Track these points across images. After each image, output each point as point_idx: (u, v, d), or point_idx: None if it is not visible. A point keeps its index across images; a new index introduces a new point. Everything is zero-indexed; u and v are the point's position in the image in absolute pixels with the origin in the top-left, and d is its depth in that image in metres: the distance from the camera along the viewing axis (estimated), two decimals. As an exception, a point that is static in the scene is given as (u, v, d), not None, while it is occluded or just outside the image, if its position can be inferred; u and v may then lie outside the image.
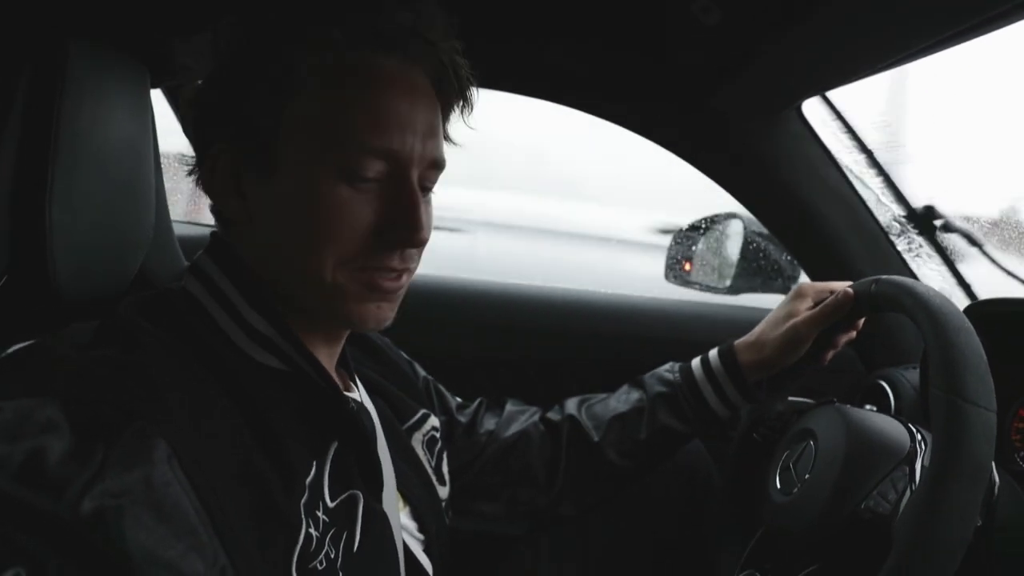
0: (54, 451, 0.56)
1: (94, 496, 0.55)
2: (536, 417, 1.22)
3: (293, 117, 0.75)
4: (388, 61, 0.77)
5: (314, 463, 0.76)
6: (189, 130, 0.82)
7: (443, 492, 1.06)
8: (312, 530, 0.72)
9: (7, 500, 0.54)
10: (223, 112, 0.78)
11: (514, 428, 1.20)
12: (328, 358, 0.87)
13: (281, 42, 0.75)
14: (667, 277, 1.92)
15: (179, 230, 1.34)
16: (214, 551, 0.61)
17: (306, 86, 0.75)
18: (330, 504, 0.77)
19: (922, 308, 0.86)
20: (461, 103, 0.86)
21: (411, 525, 0.96)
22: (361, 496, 0.82)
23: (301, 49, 0.75)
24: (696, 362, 1.19)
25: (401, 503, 0.95)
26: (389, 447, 0.94)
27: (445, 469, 1.09)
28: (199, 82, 0.81)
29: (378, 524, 0.84)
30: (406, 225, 0.77)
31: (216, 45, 0.79)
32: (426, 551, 0.96)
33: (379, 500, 0.86)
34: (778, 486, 1.01)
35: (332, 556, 0.75)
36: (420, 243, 0.79)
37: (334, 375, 0.88)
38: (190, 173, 0.83)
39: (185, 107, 0.82)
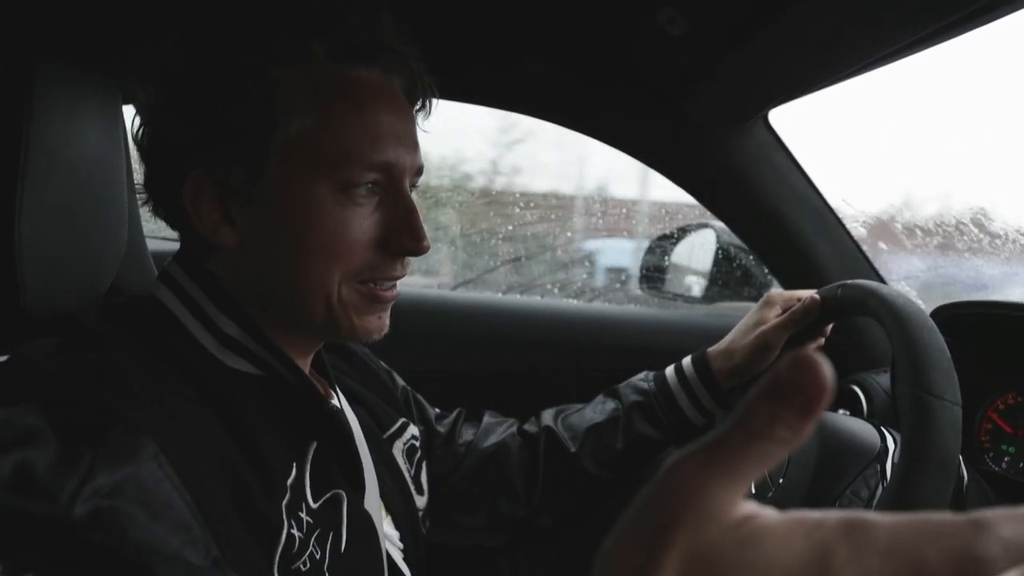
0: (41, 458, 0.56)
1: (87, 498, 0.55)
2: (514, 428, 1.22)
3: (284, 139, 0.74)
4: (370, 74, 0.78)
5: (294, 464, 0.76)
6: (152, 158, 0.79)
7: (420, 502, 1.06)
8: (295, 531, 0.72)
9: (4, 512, 0.54)
10: (200, 139, 0.74)
11: (492, 439, 1.20)
12: (302, 361, 0.87)
13: (259, 61, 0.73)
14: (640, 288, 1.93)
15: (153, 246, 1.34)
16: (206, 544, 0.61)
17: (295, 106, 0.74)
18: (313, 505, 0.77)
19: (887, 309, 0.88)
20: (426, 108, 0.87)
21: (393, 534, 0.96)
22: (345, 496, 0.82)
23: (283, 68, 0.74)
24: (670, 370, 1.19)
25: (384, 511, 0.94)
26: (371, 454, 0.94)
27: (423, 479, 1.09)
28: (156, 106, 0.77)
29: (363, 524, 0.84)
30: (410, 235, 0.79)
31: (173, 67, 0.75)
32: (405, 560, 0.96)
33: (362, 501, 0.86)
34: (752, 491, 1.02)
35: (317, 557, 0.75)
36: (424, 251, 0.80)
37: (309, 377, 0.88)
38: (146, 203, 0.82)
39: (147, 134, 0.79)
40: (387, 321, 0.84)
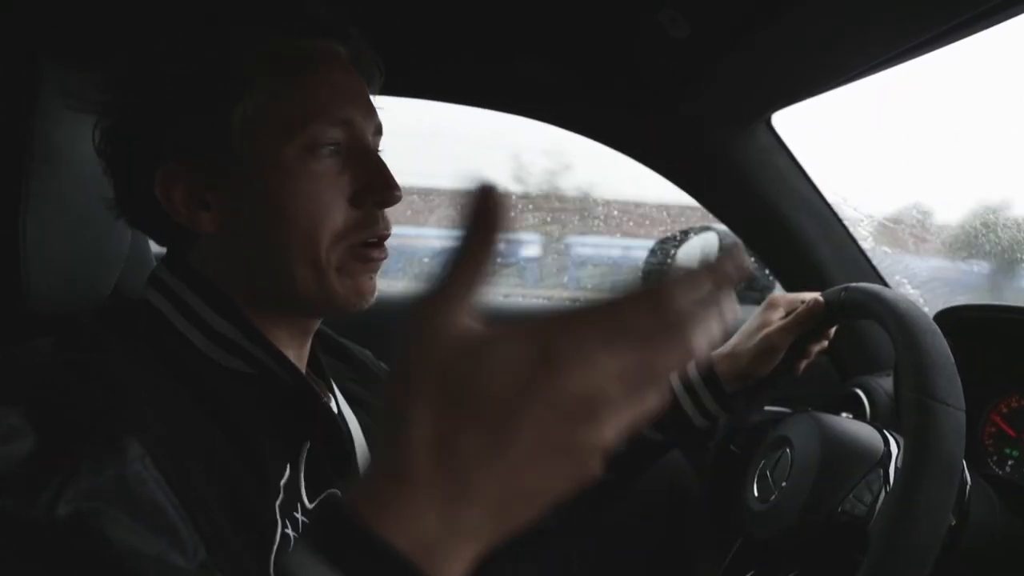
0: (23, 459, 0.55)
1: (68, 500, 0.54)
2: None
3: (245, 115, 0.76)
4: (317, 44, 0.81)
5: (288, 464, 0.76)
6: (118, 163, 0.80)
7: None
8: (289, 531, 0.72)
9: None
10: (165, 134, 0.76)
11: None
12: (297, 356, 0.87)
13: (214, 49, 0.76)
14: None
15: (156, 247, 1.34)
16: (194, 545, 0.61)
17: (252, 82, 0.76)
18: (309, 505, 0.77)
19: (890, 313, 0.88)
20: (373, 84, 0.89)
21: None
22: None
23: (237, 50, 0.76)
24: (674, 374, 1.19)
25: None
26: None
27: None
28: (114, 113, 0.78)
29: None
30: (381, 184, 0.80)
31: (129, 72, 0.77)
32: None
33: None
34: (755, 494, 1.02)
35: None
36: (397, 199, 0.82)
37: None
38: (119, 216, 0.82)
39: (110, 141, 0.80)
40: (376, 282, 0.84)
